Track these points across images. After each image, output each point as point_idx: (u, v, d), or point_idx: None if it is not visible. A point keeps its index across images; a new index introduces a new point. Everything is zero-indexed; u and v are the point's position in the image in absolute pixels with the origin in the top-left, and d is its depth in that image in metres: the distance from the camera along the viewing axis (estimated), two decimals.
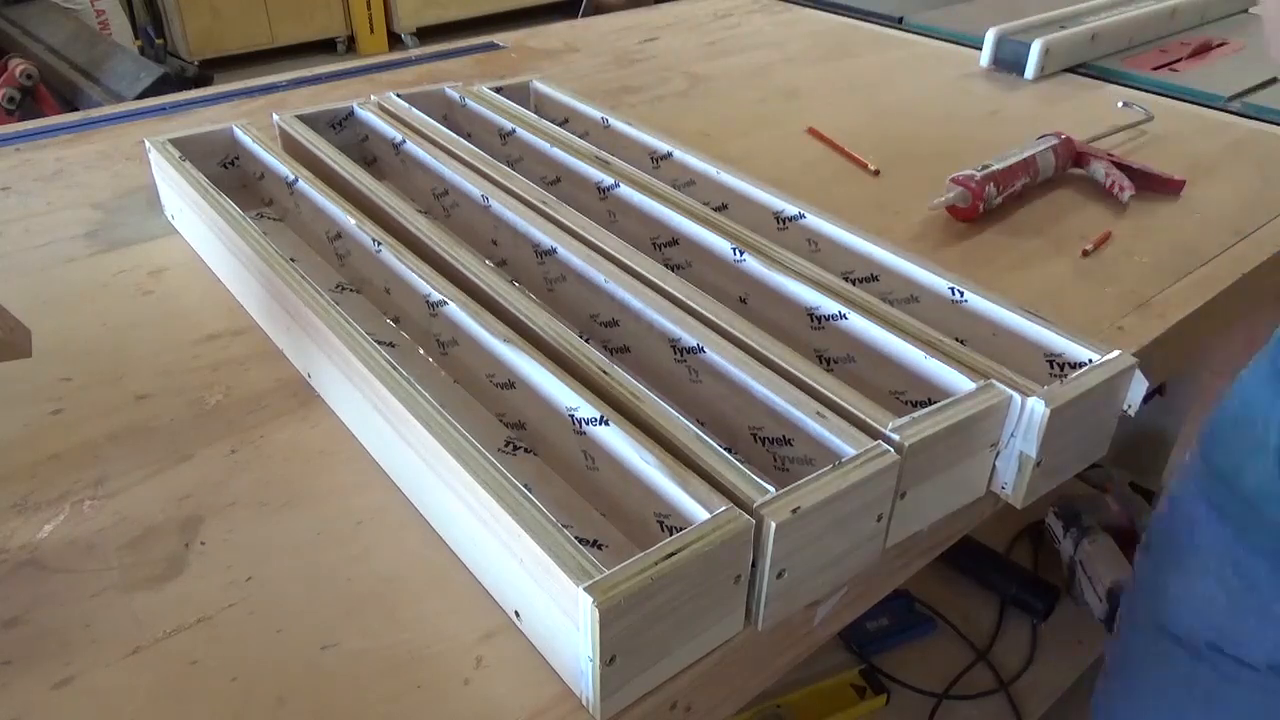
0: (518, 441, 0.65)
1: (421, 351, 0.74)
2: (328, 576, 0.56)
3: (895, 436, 0.54)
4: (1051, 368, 0.66)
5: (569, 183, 0.92)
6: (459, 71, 1.37)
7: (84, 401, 0.70)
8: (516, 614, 0.53)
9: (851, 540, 0.54)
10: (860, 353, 0.67)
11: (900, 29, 1.59)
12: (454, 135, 0.94)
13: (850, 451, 0.54)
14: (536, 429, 0.64)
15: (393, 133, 0.95)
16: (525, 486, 0.51)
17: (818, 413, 0.57)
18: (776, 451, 0.60)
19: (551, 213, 0.79)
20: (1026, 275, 0.87)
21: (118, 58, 2.59)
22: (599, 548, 0.57)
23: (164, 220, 0.95)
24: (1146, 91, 1.31)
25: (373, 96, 1.03)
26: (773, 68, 1.40)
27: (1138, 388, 0.64)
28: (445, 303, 0.68)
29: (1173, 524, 0.75)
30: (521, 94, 1.11)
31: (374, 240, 0.75)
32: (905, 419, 0.55)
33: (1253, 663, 0.68)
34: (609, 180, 0.87)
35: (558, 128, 0.98)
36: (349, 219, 0.78)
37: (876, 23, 1.61)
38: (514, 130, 0.98)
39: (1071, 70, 1.39)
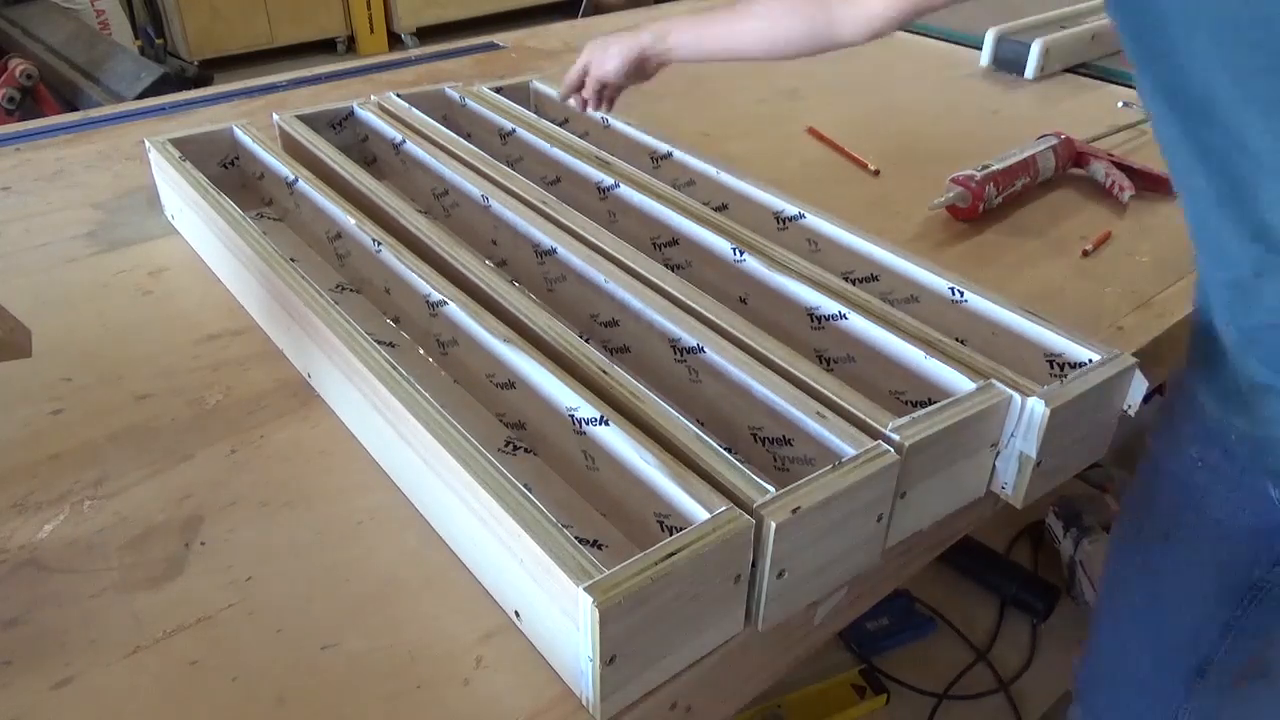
0: (518, 441, 0.65)
1: (421, 351, 0.74)
2: (328, 576, 0.56)
3: (895, 436, 0.54)
4: (1051, 368, 0.66)
5: (569, 183, 0.92)
6: (459, 71, 1.37)
7: (84, 401, 0.70)
8: (516, 614, 0.53)
9: (851, 540, 0.54)
10: (860, 353, 0.67)
11: (900, 29, 1.59)
12: (454, 135, 0.94)
13: (850, 451, 0.54)
14: (536, 429, 0.64)
15: (393, 133, 0.95)
16: (525, 486, 0.51)
17: (818, 413, 0.57)
18: (776, 451, 0.60)
19: (551, 213, 0.79)
20: (1026, 275, 0.87)
21: (118, 58, 2.59)
22: (599, 548, 0.57)
23: (164, 220, 0.95)
24: None
25: (373, 96, 1.03)
26: (773, 68, 1.40)
27: (1138, 388, 0.64)
28: (445, 303, 0.68)
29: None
30: (521, 94, 1.11)
31: (374, 240, 0.75)
32: (905, 419, 0.55)
33: None
34: (609, 180, 0.87)
35: (558, 128, 0.98)
36: (349, 219, 0.78)
37: None
38: (514, 130, 0.98)
39: (1071, 70, 1.39)
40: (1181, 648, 0.78)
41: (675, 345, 0.65)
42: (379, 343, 0.63)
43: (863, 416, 0.56)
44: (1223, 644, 0.75)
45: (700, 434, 0.55)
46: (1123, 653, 0.85)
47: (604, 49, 0.94)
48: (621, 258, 0.73)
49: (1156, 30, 0.56)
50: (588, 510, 0.60)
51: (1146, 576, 0.79)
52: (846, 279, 0.75)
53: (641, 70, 0.93)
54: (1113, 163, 1.02)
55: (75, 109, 2.39)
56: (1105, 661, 0.87)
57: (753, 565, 0.50)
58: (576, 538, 0.48)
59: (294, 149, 0.94)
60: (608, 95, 0.97)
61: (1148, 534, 0.78)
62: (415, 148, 0.92)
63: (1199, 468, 0.71)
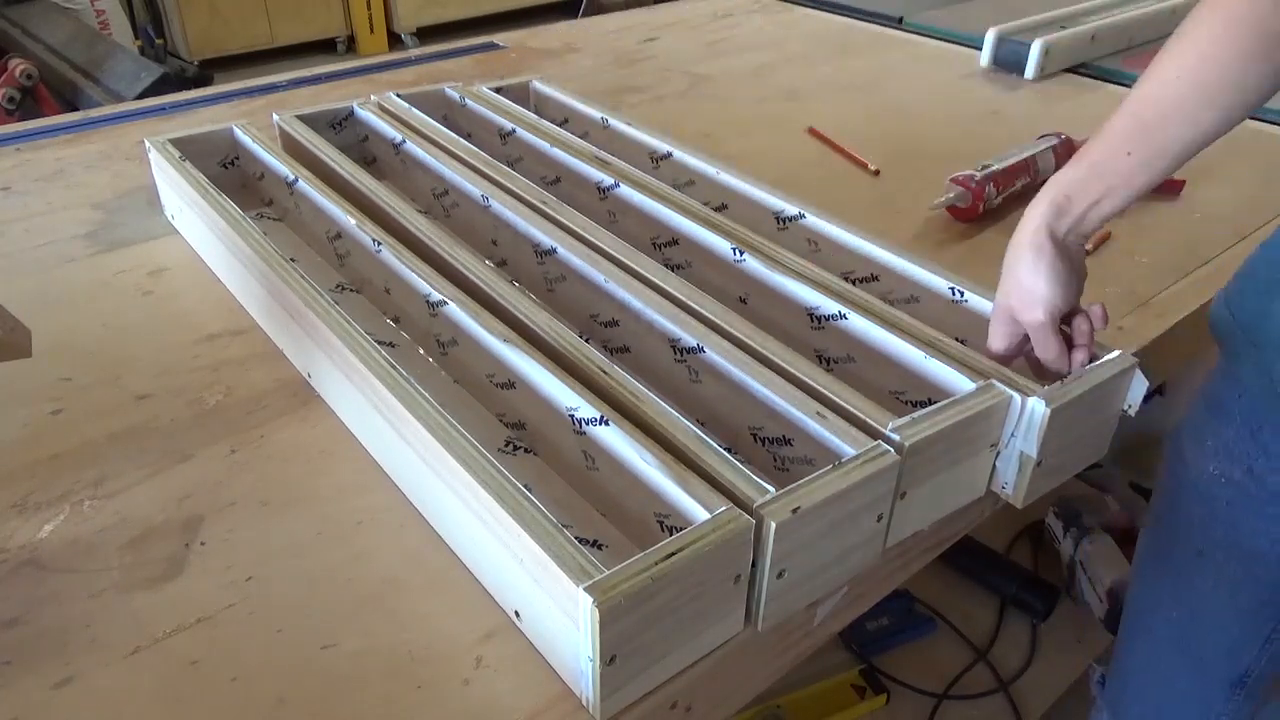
0: (518, 441, 0.65)
1: (421, 351, 0.74)
2: (328, 576, 0.56)
3: (895, 436, 0.54)
4: None
5: (569, 183, 0.92)
6: (459, 71, 1.37)
7: (84, 401, 0.70)
8: (516, 614, 0.53)
9: (851, 540, 0.54)
10: (860, 353, 0.67)
11: (900, 29, 1.59)
12: (454, 135, 0.94)
13: (850, 451, 0.54)
14: (536, 429, 0.64)
15: (393, 133, 0.95)
16: (525, 486, 0.51)
17: (818, 413, 0.57)
18: (776, 451, 0.60)
19: (551, 213, 0.79)
20: None
21: (118, 58, 2.59)
22: (599, 548, 0.57)
23: (164, 220, 0.95)
24: None
25: (373, 96, 1.03)
26: (773, 68, 1.40)
27: (1138, 388, 0.64)
28: (445, 303, 0.68)
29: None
30: (521, 94, 1.11)
31: (374, 240, 0.75)
32: (905, 419, 0.55)
33: None
34: (609, 180, 0.87)
35: (558, 128, 0.98)
36: (349, 219, 0.78)
37: (876, 23, 1.61)
38: (514, 130, 0.98)
39: (1071, 70, 1.39)
40: (1220, 661, 0.77)
41: (675, 345, 0.66)
42: (379, 343, 0.63)
43: (863, 416, 0.56)
44: (1264, 655, 0.74)
45: (700, 434, 0.55)
46: (1157, 665, 0.83)
47: (1021, 294, 0.63)
48: (621, 258, 0.73)
49: None
50: (588, 510, 0.60)
51: (1181, 591, 0.78)
52: (846, 279, 0.75)
53: (1072, 259, 0.63)
54: None
55: (75, 109, 2.39)
56: (1138, 674, 0.86)
57: (753, 565, 0.50)
58: (576, 538, 0.48)
59: (294, 149, 0.94)
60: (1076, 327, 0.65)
61: (1181, 549, 0.76)
62: (415, 148, 0.92)
63: (1222, 483, 0.69)
